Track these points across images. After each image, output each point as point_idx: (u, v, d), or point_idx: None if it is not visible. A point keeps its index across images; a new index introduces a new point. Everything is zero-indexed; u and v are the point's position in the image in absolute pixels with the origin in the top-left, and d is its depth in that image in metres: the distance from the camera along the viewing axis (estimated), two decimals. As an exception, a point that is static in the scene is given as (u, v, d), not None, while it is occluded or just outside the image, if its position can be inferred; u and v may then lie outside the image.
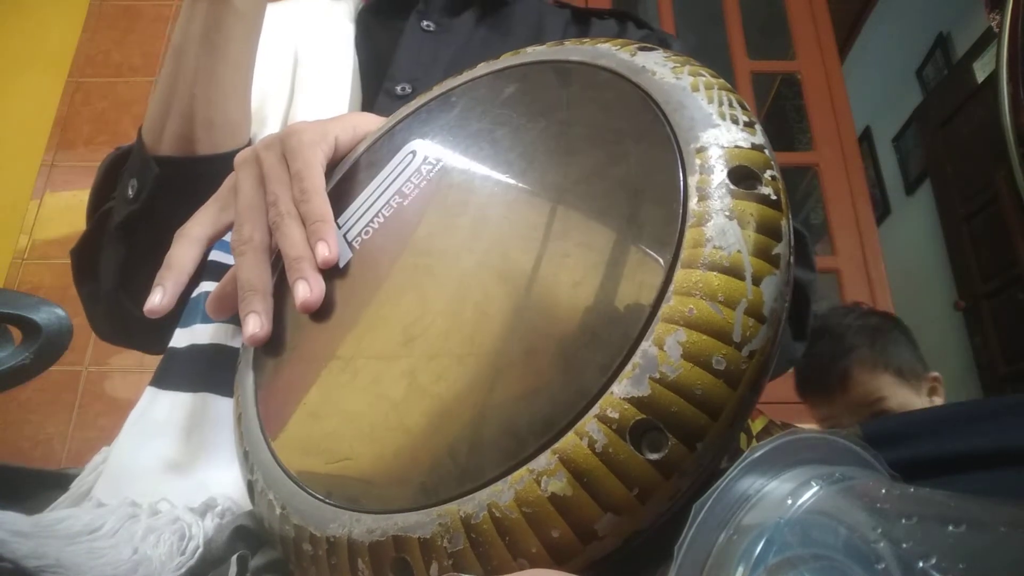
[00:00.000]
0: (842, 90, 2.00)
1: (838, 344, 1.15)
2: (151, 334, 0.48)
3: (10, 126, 1.86)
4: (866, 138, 3.70)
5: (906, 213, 3.45)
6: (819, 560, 0.20)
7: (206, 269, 0.45)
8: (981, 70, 2.71)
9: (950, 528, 0.19)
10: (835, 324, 1.20)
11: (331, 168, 0.40)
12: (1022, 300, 2.48)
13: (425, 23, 0.65)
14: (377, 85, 0.61)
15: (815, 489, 0.23)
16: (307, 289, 0.34)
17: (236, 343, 0.42)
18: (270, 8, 0.56)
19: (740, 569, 0.20)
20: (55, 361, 0.39)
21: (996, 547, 0.19)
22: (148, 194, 0.50)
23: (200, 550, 0.33)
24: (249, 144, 0.53)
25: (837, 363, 1.14)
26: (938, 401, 1.15)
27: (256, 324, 0.35)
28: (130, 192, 0.51)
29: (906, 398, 1.11)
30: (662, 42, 0.67)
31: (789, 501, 0.22)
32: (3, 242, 1.73)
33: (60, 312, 0.40)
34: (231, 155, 0.51)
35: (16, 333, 0.39)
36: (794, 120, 3.22)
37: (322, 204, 0.36)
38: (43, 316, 0.39)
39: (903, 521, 0.20)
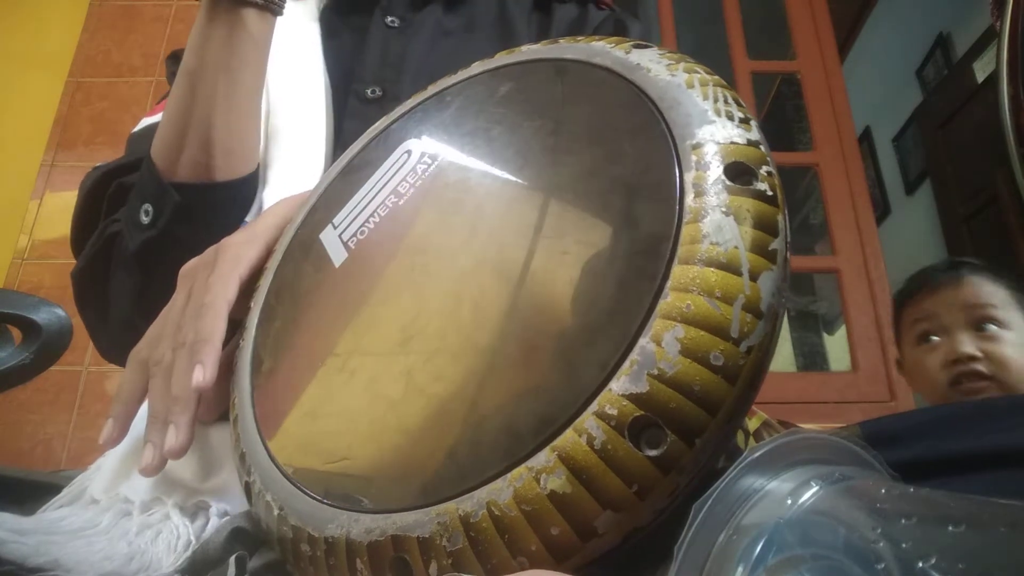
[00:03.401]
0: (842, 90, 2.00)
1: (952, 262, 1.14)
2: None
3: (10, 126, 1.86)
4: (866, 138, 3.70)
5: (906, 213, 3.44)
6: (819, 560, 0.20)
7: None
8: (981, 70, 2.71)
9: (950, 528, 0.19)
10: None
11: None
12: (1022, 300, 2.47)
13: (389, 19, 0.64)
14: (346, 88, 0.59)
15: (815, 489, 0.23)
16: (173, 436, 0.34)
17: None
18: None
19: (740, 569, 0.20)
20: (55, 361, 0.39)
21: (996, 547, 0.19)
22: (167, 221, 0.49)
23: (193, 544, 0.33)
24: (258, 168, 0.54)
25: (952, 268, 1.12)
26: None
27: (149, 455, 0.35)
28: (144, 218, 0.50)
29: (1016, 321, 1.04)
30: (619, 23, 0.67)
31: (789, 501, 0.22)
32: (3, 242, 1.73)
33: (60, 312, 0.40)
34: (247, 179, 0.52)
35: (16, 333, 0.39)
36: (794, 120, 3.22)
37: (211, 321, 0.36)
38: (43, 316, 0.39)
39: (903, 521, 0.20)
